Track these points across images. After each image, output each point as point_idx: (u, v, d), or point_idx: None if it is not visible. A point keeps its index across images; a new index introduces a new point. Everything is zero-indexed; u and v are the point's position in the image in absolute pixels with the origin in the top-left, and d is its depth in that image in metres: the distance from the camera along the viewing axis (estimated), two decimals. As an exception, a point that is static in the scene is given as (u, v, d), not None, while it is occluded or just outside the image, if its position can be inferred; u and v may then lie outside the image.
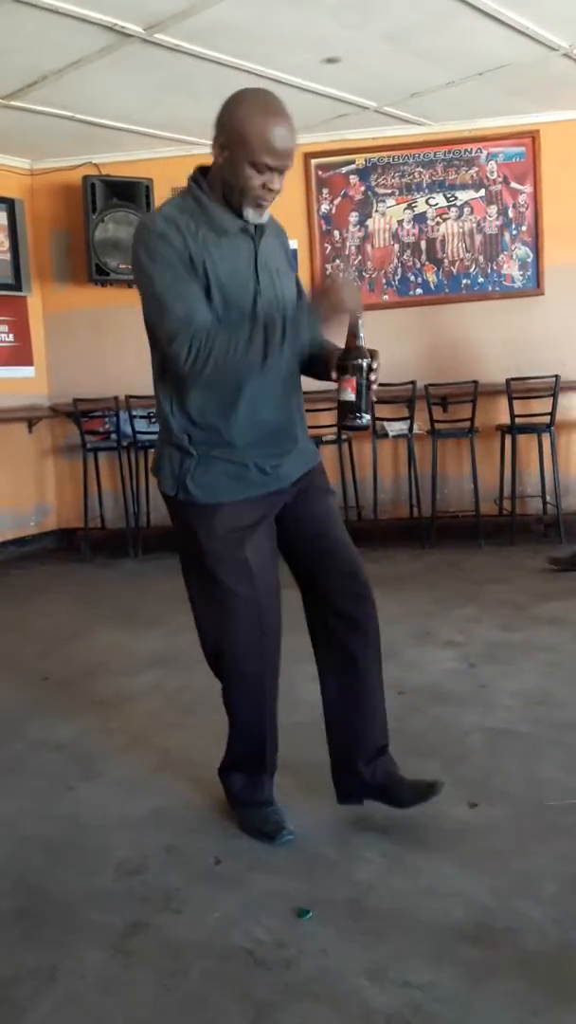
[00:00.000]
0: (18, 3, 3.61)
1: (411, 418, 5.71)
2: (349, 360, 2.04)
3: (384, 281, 6.07)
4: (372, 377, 2.04)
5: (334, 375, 2.06)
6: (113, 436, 5.93)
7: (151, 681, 3.39)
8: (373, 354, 2.04)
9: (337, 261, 1.81)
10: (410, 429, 5.72)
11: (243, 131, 1.90)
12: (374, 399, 2.09)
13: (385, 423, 5.77)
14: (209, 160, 2.03)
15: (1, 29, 3.86)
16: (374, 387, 2.06)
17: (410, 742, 2.75)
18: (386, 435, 5.76)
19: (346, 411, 2.06)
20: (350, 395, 2.04)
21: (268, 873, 2.10)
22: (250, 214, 2.01)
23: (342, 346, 2.07)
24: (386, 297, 6.08)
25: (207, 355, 1.91)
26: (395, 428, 5.75)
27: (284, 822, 2.25)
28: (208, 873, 2.10)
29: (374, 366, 2.04)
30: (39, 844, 2.28)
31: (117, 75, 4.46)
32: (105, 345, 5.97)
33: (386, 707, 2.34)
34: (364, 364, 2.03)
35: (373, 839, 2.22)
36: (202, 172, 2.05)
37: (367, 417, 2.06)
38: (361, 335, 2.04)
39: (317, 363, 2.14)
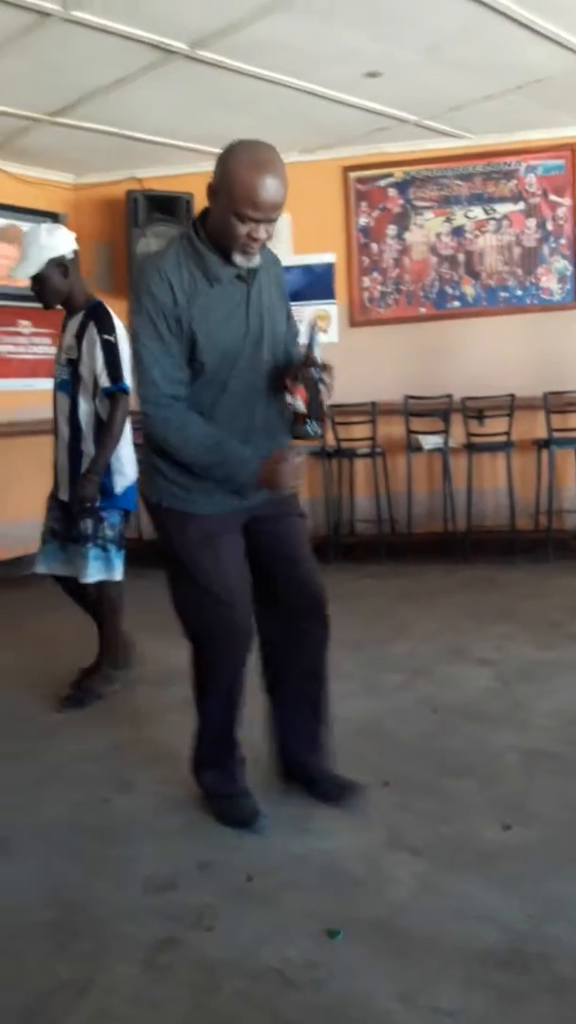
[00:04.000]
0: (69, 23, 3.68)
1: (446, 431, 5.68)
2: (302, 371, 2.17)
3: (421, 294, 6.06)
4: (322, 388, 2.17)
5: (288, 382, 2.22)
6: (150, 446, 5.98)
7: (184, 693, 3.38)
8: (326, 367, 2.18)
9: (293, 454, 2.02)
10: (445, 443, 5.69)
11: (230, 181, 1.99)
12: (326, 411, 2.26)
13: (420, 436, 5.75)
14: None
15: (51, 48, 3.93)
16: (325, 399, 2.20)
17: (443, 761, 2.74)
18: (420, 448, 5.74)
19: (296, 420, 2.21)
20: (300, 405, 2.18)
21: (299, 892, 2.10)
22: (239, 259, 2.10)
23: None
24: (423, 310, 6.07)
25: (165, 435, 2.13)
26: (430, 442, 5.73)
27: (259, 808, 2.38)
28: (240, 890, 2.11)
29: (326, 379, 2.17)
30: (74, 856, 2.31)
31: (160, 91, 4.52)
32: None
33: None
34: (315, 375, 2.16)
35: (405, 859, 2.21)
36: (203, 217, 2.15)
37: (317, 427, 2.21)
38: (317, 348, 2.17)
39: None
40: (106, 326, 3.16)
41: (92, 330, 3.15)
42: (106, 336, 3.14)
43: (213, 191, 2.06)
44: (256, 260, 2.14)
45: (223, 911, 2.02)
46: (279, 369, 2.25)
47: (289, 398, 2.23)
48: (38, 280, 3.18)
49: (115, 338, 3.15)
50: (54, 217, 5.92)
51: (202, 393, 2.18)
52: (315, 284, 5.95)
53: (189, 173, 5.79)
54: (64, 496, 3.36)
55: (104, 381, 3.14)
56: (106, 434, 3.18)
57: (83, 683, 3.46)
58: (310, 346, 2.18)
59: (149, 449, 2.29)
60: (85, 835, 2.41)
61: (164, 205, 5.72)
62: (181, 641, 4.04)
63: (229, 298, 2.14)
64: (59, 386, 3.30)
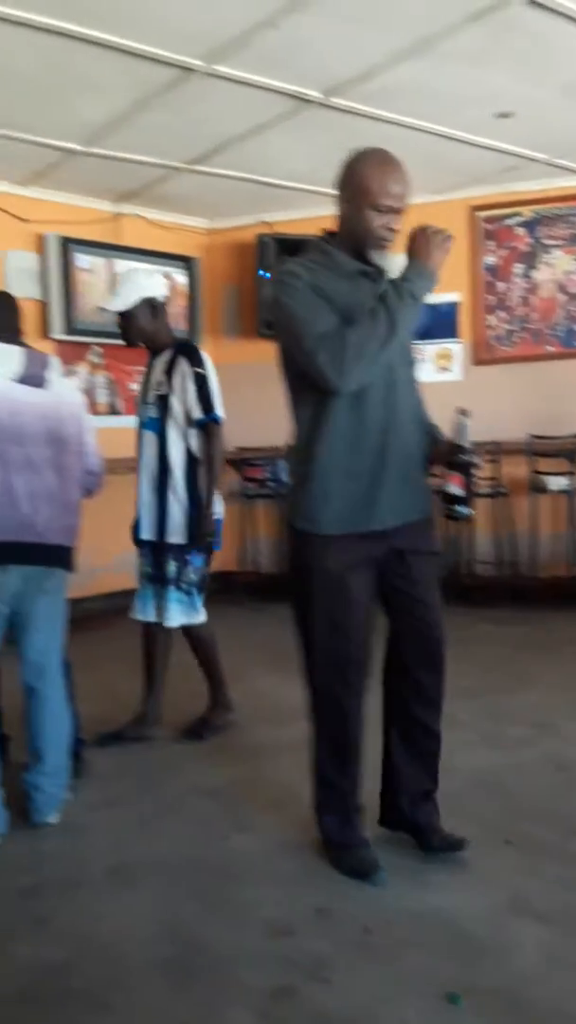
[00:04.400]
0: (210, 76, 3.84)
1: (573, 472, 5.50)
2: (457, 458, 2.29)
3: (548, 332, 5.93)
4: (476, 473, 2.33)
5: (437, 470, 2.35)
6: (271, 484, 6.07)
7: (302, 734, 3.37)
8: (476, 453, 2.31)
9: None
10: (572, 484, 5.51)
11: (363, 178, 2.16)
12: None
13: (545, 477, 5.59)
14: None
15: (192, 101, 4.10)
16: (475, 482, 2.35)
17: (571, 823, 2.61)
18: (545, 489, 5.58)
19: (452, 503, 2.31)
20: (457, 490, 2.31)
21: (419, 950, 2.04)
22: (375, 256, 2.20)
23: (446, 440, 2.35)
24: (550, 348, 5.93)
25: (343, 349, 2.07)
26: (556, 483, 5.56)
27: (378, 861, 2.32)
28: (358, 942, 2.06)
29: (477, 464, 2.32)
30: (192, 892, 2.32)
31: (294, 138, 4.64)
32: (268, 396, 6.05)
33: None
34: (471, 461, 2.29)
35: (530, 925, 2.11)
36: (327, 236, 2.29)
37: (469, 509, 2.34)
38: (466, 434, 2.29)
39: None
40: (196, 360, 3.21)
41: (183, 364, 3.20)
42: (197, 369, 3.18)
43: (344, 197, 2.20)
44: (390, 261, 2.23)
45: (341, 963, 1.98)
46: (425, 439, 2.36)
47: (441, 483, 2.33)
48: (126, 317, 3.24)
49: (205, 371, 3.20)
50: (187, 261, 6.16)
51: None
52: (439, 323, 5.92)
53: (318, 216, 5.87)
54: (147, 535, 3.34)
55: (197, 413, 3.17)
56: (210, 464, 3.21)
57: (203, 717, 3.48)
58: (460, 433, 2.30)
59: (293, 464, 2.31)
60: (204, 872, 2.42)
61: (293, 248, 5.82)
62: (298, 679, 4.08)
63: (357, 289, 2.20)
64: (146, 425, 3.32)
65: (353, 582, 2.24)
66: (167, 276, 6.08)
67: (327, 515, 2.22)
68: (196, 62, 3.72)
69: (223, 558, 6.56)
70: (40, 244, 5.48)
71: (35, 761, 2.72)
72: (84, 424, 2.83)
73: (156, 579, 3.34)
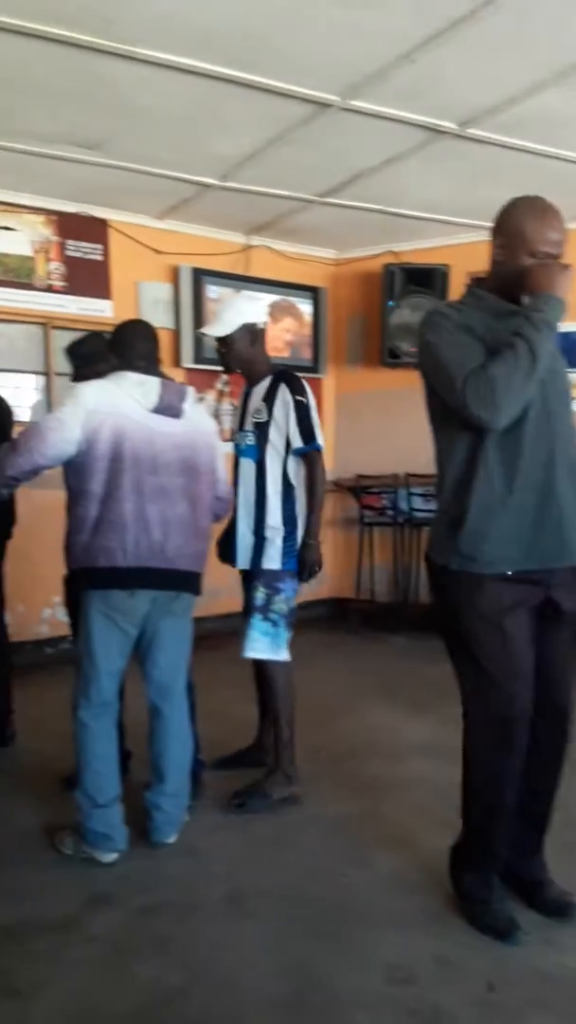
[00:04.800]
0: (345, 111, 3.89)
1: None
2: None
3: None
4: None
5: None
6: (390, 512, 6.03)
7: (420, 771, 3.33)
8: None
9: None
10: None
11: (521, 227, 2.16)
12: None
13: None
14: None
15: (327, 135, 4.17)
16: None
17: None
18: None
19: None
20: None
21: (544, 1012, 1.94)
22: (526, 300, 2.14)
23: None
24: None
25: (491, 386, 2.04)
26: None
27: (516, 920, 2.23)
28: (481, 999, 1.99)
29: None
30: (310, 928, 2.29)
31: (426, 169, 4.63)
32: (389, 424, 6.11)
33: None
34: None
35: None
36: (478, 281, 2.29)
37: None
38: None
39: None
40: (297, 388, 3.11)
41: (284, 392, 3.10)
42: (299, 397, 3.09)
43: (501, 245, 2.20)
44: None
45: (462, 1019, 1.91)
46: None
47: None
48: (226, 343, 3.17)
49: (306, 399, 3.10)
50: (314, 291, 6.24)
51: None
52: (568, 352, 5.77)
53: (446, 246, 5.87)
54: (243, 564, 3.21)
55: (297, 441, 3.07)
56: (312, 493, 3.12)
57: (259, 782, 3.14)
58: None
59: (445, 503, 2.23)
60: (322, 908, 2.39)
61: (420, 277, 5.82)
62: (417, 714, 4.02)
63: (509, 329, 2.13)
64: (243, 452, 3.22)
65: (511, 626, 2.14)
66: (289, 306, 6.18)
67: (485, 554, 2.13)
68: (333, 97, 3.78)
69: (338, 585, 6.58)
70: (173, 275, 5.67)
71: (157, 781, 2.77)
72: (216, 452, 2.86)
73: (245, 609, 3.19)
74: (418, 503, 5.88)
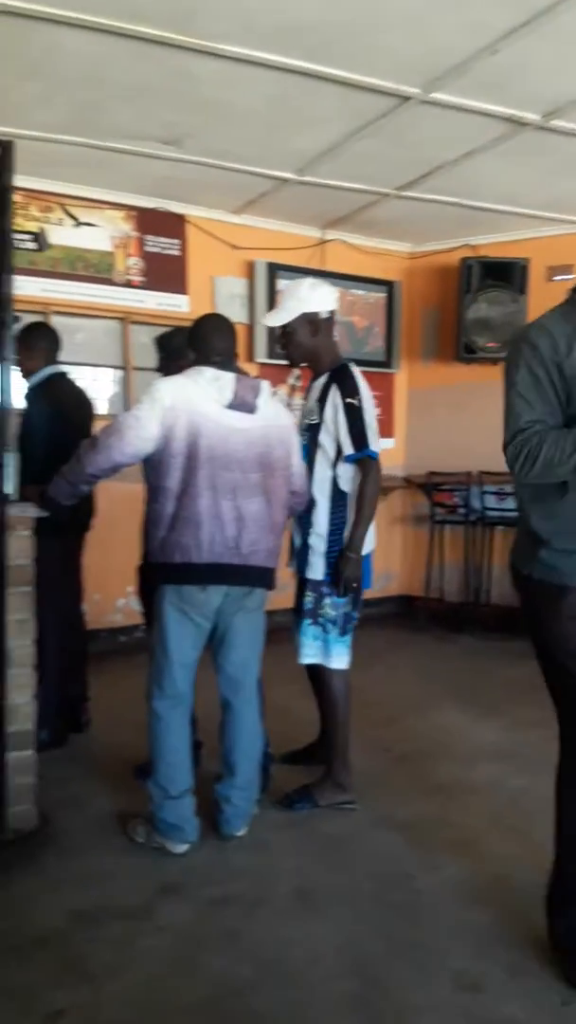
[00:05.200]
0: (426, 104, 3.84)
1: None
2: None
3: None
4: None
5: None
6: (462, 510, 5.95)
7: (490, 776, 3.28)
8: None
9: None
10: None
11: None
12: None
13: None
14: None
15: (406, 128, 4.13)
16: None
17: None
18: None
19: None
20: None
21: (621, 1030, 1.89)
22: None
23: None
24: None
25: (533, 460, 1.98)
26: None
27: None
28: (553, 1013, 1.95)
29: None
30: (376, 930, 2.29)
31: (507, 161, 4.55)
32: (463, 421, 6.03)
33: None
34: None
35: None
36: None
37: None
38: None
39: None
40: (349, 389, 2.91)
41: (335, 394, 2.92)
42: (349, 400, 2.89)
43: None
44: None
45: (534, 1032, 1.88)
46: None
47: None
48: (285, 333, 3.02)
49: (359, 401, 2.89)
50: (389, 285, 6.19)
51: None
52: None
53: (526, 239, 5.75)
54: (292, 567, 3.12)
55: (348, 448, 2.89)
56: (361, 504, 2.90)
57: (309, 786, 3.07)
58: None
59: (523, 510, 2.16)
60: (389, 910, 2.38)
61: (499, 271, 5.72)
62: (488, 717, 3.97)
63: None
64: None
65: None
66: (360, 299, 6.13)
67: (567, 565, 2.05)
68: (413, 90, 3.74)
69: (407, 582, 6.53)
70: (249, 270, 5.69)
71: (228, 774, 2.80)
72: (292, 447, 2.82)
73: (296, 612, 3.09)
74: (491, 502, 5.80)
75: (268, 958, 2.16)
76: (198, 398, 2.60)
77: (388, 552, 6.49)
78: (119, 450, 2.59)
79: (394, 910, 2.38)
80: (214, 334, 2.76)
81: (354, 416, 2.89)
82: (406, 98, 3.82)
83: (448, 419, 6.22)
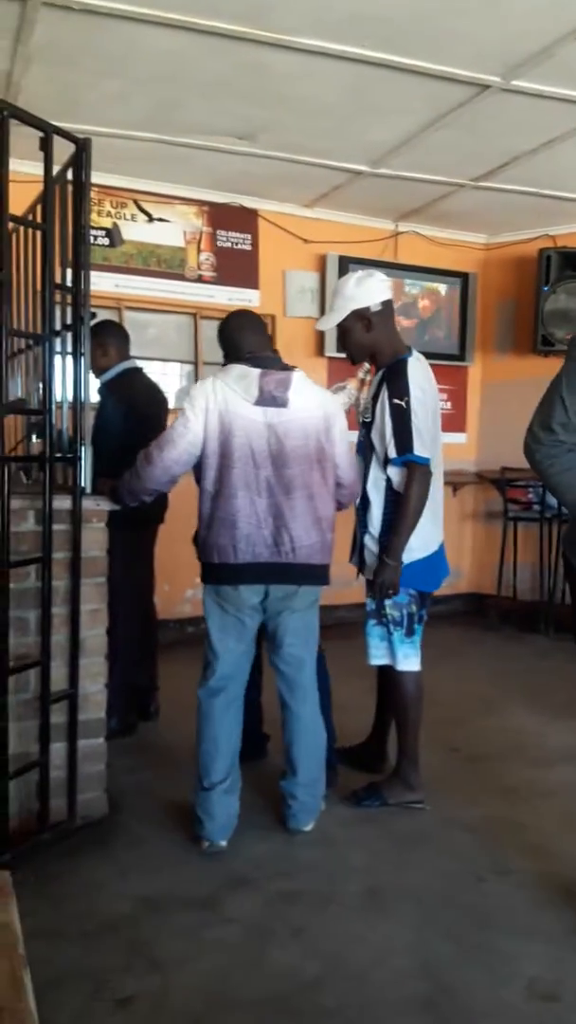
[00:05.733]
0: (506, 92, 3.75)
1: None
2: None
3: None
4: None
5: None
6: (536, 507, 5.82)
7: (566, 778, 3.20)
8: None
9: None
10: None
11: None
12: None
13: None
14: None
15: (485, 117, 4.04)
16: None
17: None
18: None
19: None
20: None
21: None
22: None
23: None
24: None
25: (546, 476, 2.15)
26: None
27: None
28: (631, 1026, 1.89)
29: None
30: (446, 932, 2.25)
31: (589, 150, 4.42)
32: (538, 415, 5.89)
33: None
34: None
35: None
36: None
37: None
38: None
39: None
40: (398, 388, 2.77)
41: (384, 392, 2.82)
42: (396, 400, 2.77)
43: None
44: None
45: (611, 1045, 1.82)
46: None
47: None
48: (341, 332, 2.94)
49: (406, 402, 2.75)
50: (464, 277, 6.09)
51: None
52: None
53: (608, 228, 5.59)
54: (353, 562, 3.07)
55: (392, 451, 2.77)
56: (401, 512, 2.78)
57: (378, 783, 3.06)
58: None
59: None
60: (460, 912, 2.34)
61: (578, 262, 5.57)
62: (562, 718, 3.87)
63: None
64: (357, 448, 3.01)
65: None
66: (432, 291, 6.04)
67: None
68: (493, 78, 3.66)
69: (477, 580, 6.43)
70: (320, 264, 5.66)
71: (290, 771, 2.78)
72: (333, 437, 2.72)
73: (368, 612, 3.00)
74: (567, 498, 5.65)
75: (336, 955, 2.15)
76: (229, 397, 2.57)
77: (459, 549, 6.39)
78: (174, 460, 2.62)
79: (464, 912, 2.34)
80: (239, 332, 2.74)
81: (399, 417, 2.76)
82: (485, 86, 3.74)
83: (523, 413, 5.97)
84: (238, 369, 2.61)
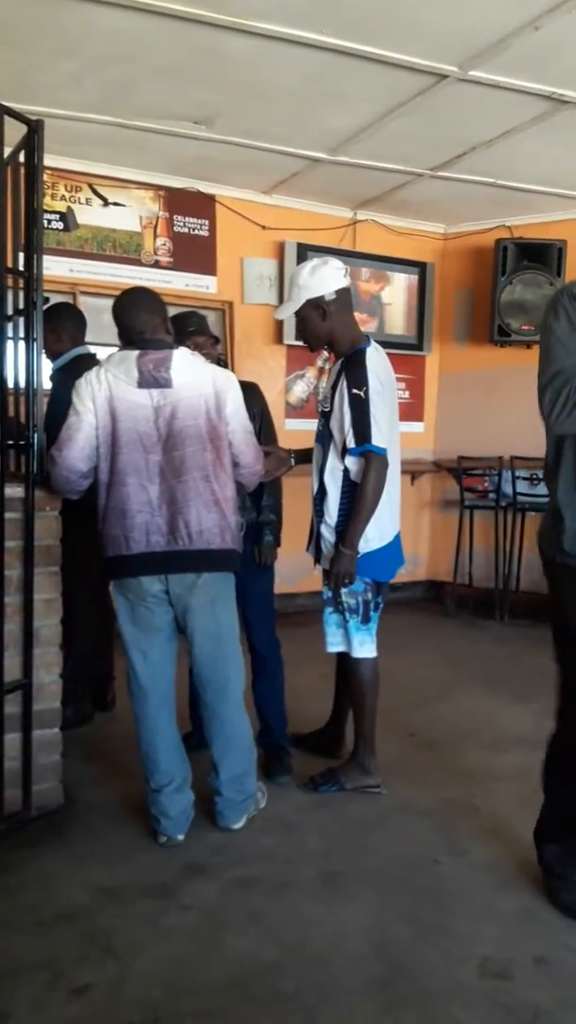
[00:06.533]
0: (463, 82, 3.77)
1: None
2: None
3: None
4: None
5: None
6: (492, 495, 5.89)
7: (519, 762, 3.25)
8: None
9: None
10: None
11: None
12: None
13: None
14: None
15: (443, 107, 4.05)
16: None
17: None
18: None
19: None
20: None
21: None
22: None
23: None
24: None
25: (572, 406, 1.98)
26: None
27: None
28: (581, 1001, 1.93)
29: None
30: (402, 914, 2.28)
31: (546, 141, 4.45)
32: (495, 405, 5.96)
33: None
34: None
35: None
36: None
37: None
38: None
39: None
40: (356, 378, 2.76)
41: (343, 382, 2.80)
42: (355, 390, 2.75)
43: None
44: None
45: (560, 1022, 1.86)
46: None
47: None
48: (299, 322, 2.93)
49: (364, 392, 2.73)
50: (422, 267, 6.11)
51: None
52: None
53: (564, 220, 5.65)
54: (309, 551, 3.09)
55: (349, 441, 2.76)
56: (358, 502, 2.78)
57: (335, 769, 3.08)
58: None
59: (556, 493, 2.17)
60: (415, 895, 2.37)
61: (534, 253, 5.62)
62: (517, 703, 3.93)
63: None
64: (316, 437, 3.02)
65: None
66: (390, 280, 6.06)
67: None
68: (451, 68, 3.66)
69: (434, 568, 6.49)
70: (278, 251, 5.64)
71: (213, 769, 2.72)
72: (226, 414, 2.57)
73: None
74: (523, 487, 5.72)
75: (293, 939, 2.16)
76: (112, 383, 2.48)
77: (416, 537, 6.46)
78: (76, 457, 2.51)
79: (420, 894, 2.37)
80: (124, 313, 2.58)
81: (358, 408, 2.74)
82: (443, 76, 3.74)
83: (480, 403, 6.15)
84: (119, 354, 2.52)
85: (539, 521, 2.28)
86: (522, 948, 2.12)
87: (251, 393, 3.25)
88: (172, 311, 2.86)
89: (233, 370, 3.40)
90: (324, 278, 2.85)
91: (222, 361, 3.36)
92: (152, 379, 2.47)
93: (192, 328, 3.10)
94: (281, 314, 2.99)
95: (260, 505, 3.16)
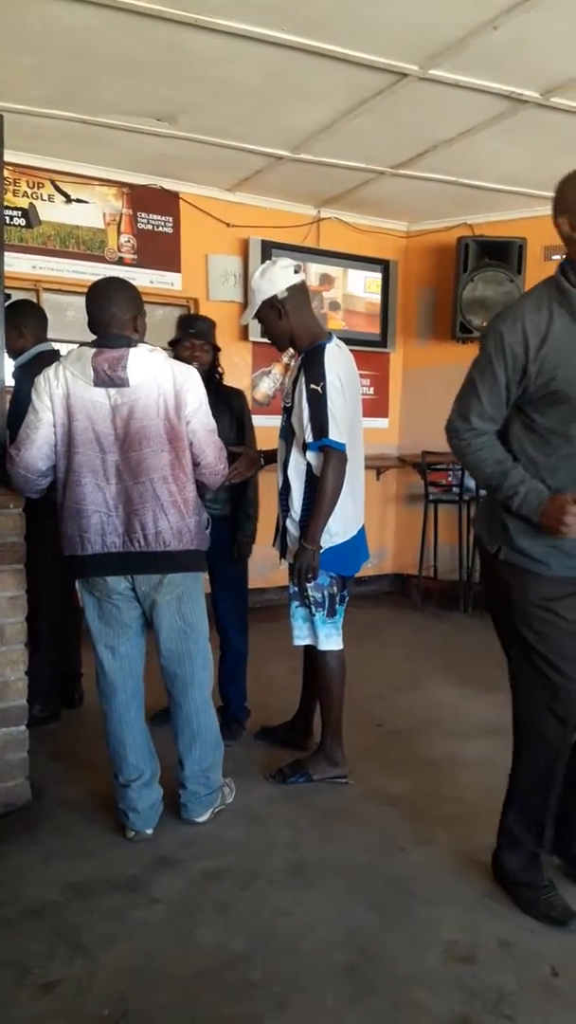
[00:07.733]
0: (424, 81, 3.80)
1: None
2: None
3: None
4: None
5: None
6: (455, 489, 5.96)
7: (484, 751, 3.31)
8: None
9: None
10: None
11: None
12: None
13: None
14: None
15: (404, 105, 4.09)
16: None
17: None
18: None
19: None
20: None
21: (609, 999, 1.92)
22: None
23: None
24: None
25: (470, 466, 2.18)
26: None
27: (570, 906, 2.21)
28: (543, 983, 1.98)
29: None
30: (370, 902, 2.31)
31: (506, 140, 4.51)
32: (458, 400, 6.02)
33: None
34: None
35: None
36: (571, 264, 2.05)
37: None
38: None
39: None
40: (314, 374, 2.78)
41: (302, 378, 2.82)
42: (312, 386, 2.77)
43: (571, 224, 2.00)
44: None
45: (524, 1002, 1.91)
46: None
47: None
48: (261, 324, 2.97)
49: (322, 388, 2.76)
50: (385, 264, 6.16)
51: (556, 436, 2.09)
52: None
53: (524, 218, 5.73)
54: (275, 547, 3.10)
55: (308, 436, 2.78)
56: (318, 497, 2.80)
57: (302, 760, 3.11)
58: None
59: (491, 496, 2.22)
60: (382, 882, 2.41)
61: (496, 250, 5.69)
62: (482, 693, 3.99)
63: None
64: (280, 432, 3.03)
65: (564, 611, 2.12)
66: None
67: (530, 550, 2.12)
68: (411, 67, 3.70)
69: (400, 561, 6.55)
70: (243, 248, 5.65)
71: (179, 762, 2.73)
72: (186, 414, 2.51)
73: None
74: (485, 482, 5.79)
75: (262, 929, 2.18)
76: (70, 381, 2.45)
77: (382, 530, 6.51)
78: (34, 456, 2.49)
79: (387, 882, 2.41)
80: (94, 303, 2.53)
81: (315, 403, 2.76)
82: (404, 75, 3.78)
83: (443, 398, 6.06)
84: (77, 351, 2.48)
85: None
86: (486, 932, 2.16)
87: (238, 399, 3.45)
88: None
89: (221, 379, 3.44)
90: (274, 278, 2.88)
91: (216, 368, 3.42)
92: (108, 378, 2.42)
93: (193, 331, 3.27)
94: (245, 319, 3.07)
95: (243, 499, 3.30)
